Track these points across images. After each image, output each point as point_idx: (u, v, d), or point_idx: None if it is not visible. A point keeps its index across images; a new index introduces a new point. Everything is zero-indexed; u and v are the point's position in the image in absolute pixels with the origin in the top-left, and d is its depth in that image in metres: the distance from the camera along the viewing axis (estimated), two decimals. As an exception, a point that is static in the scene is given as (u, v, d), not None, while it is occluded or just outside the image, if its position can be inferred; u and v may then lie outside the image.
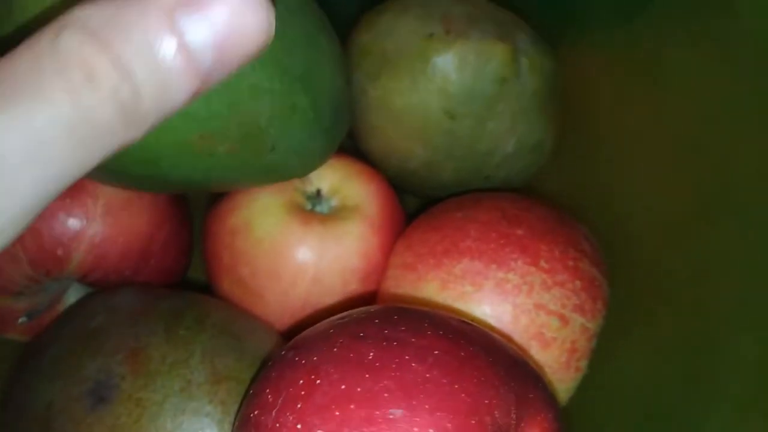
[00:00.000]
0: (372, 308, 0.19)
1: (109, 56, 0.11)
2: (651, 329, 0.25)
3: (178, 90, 0.12)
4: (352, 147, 0.28)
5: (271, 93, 0.18)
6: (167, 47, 0.12)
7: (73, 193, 0.23)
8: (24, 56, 0.12)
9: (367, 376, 0.16)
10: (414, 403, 0.15)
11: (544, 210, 0.24)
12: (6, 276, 0.23)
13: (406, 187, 0.28)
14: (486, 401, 0.16)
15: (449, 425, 0.15)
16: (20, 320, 0.25)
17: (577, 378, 0.23)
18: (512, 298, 0.22)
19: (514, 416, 0.16)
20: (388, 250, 0.25)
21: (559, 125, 0.27)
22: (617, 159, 0.27)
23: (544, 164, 0.28)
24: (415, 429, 0.15)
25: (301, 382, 0.16)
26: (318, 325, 0.19)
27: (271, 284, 0.24)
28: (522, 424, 0.17)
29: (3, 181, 0.11)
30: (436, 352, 0.16)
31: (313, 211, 0.25)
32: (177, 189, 0.23)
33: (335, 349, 0.17)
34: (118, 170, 0.19)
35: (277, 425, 0.16)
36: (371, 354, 0.16)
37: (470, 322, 0.19)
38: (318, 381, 0.16)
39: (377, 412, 0.15)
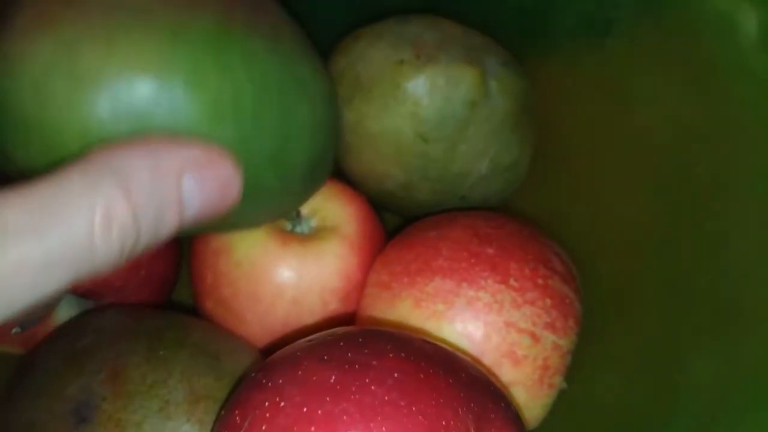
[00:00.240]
0: (339, 330, 0.19)
1: (131, 209, 0.14)
2: (618, 344, 0.25)
3: (165, 235, 0.15)
4: (335, 166, 0.29)
5: None
6: (173, 210, 0.15)
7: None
8: (55, 184, 0.14)
9: (327, 398, 0.16)
10: (372, 425, 0.16)
11: (516, 227, 0.25)
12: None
13: (385, 206, 0.29)
14: (443, 422, 0.16)
15: (405, 446, 0.15)
16: (13, 330, 0.26)
17: (552, 394, 0.23)
18: (483, 316, 0.22)
19: (473, 435, 0.17)
20: (368, 269, 0.26)
21: (533, 144, 0.28)
22: (589, 176, 0.27)
23: (521, 182, 0.29)
24: (372, 450, 0.15)
25: (267, 404, 0.17)
26: (287, 347, 0.19)
27: (251, 305, 0.25)
28: (482, 443, 0.17)
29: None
30: (396, 374, 0.17)
31: (293, 231, 0.26)
32: None
33: (300, 372, 0.17)
34: None
35: (243, 446, 0.16)
36: (333, 377, 0.17)
37: (433, 341, 0.20)
38: (282, 403, 0.17)
39: (336, 435, 0.16)
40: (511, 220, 0.25)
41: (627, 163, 0.26)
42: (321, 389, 0.16)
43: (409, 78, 0.24)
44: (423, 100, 0.24)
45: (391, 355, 0.18)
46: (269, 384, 0.17)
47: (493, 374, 0.22)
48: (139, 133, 0.16)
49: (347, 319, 0.26)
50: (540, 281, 0.23)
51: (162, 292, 0.29)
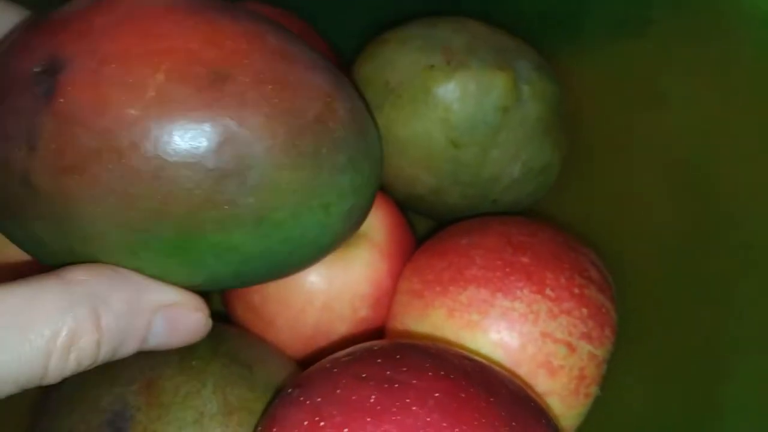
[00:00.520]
0: (376, 345, 0.19)
1: (97, 336, 0.15)
2: (653, 353, 0.25)
3: (120, 357, 0.17)
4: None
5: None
6: (135, 341, 0.17)
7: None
8: (30, 294, 0.15)
9: (368, 419, 0.16)
10: (414, 447, 0.15)
11: (550, 235, 0.24)
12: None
13: (415, 209, 0.29)
14: (486, 443, 0.16)
15: (448, 469, 0.15)
16: None
17: (587, 404, 0.23)
18: (518, 326, 0.22)
19: (515, 455, 0.17)
20: (398, 275, 0.26)
21: (566, 147, 0.27)
22: (621, 179, 0.27)
23: (552, 186, 0.28)
24: (415, 474, 0.15)
25: (306, 423, 0.17)
26: (322, 362, 0.19)
27: (281, 311, 0.25)
28: (524, 462, 0.17)
29: None
30: (437, 394, 0.17)
31: (322, 238, 0.26)
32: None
33: (338, 391, 0.17)
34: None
35: (283, 467, 0.16)
36: (373, 397, 0.17)
37: (473, 357, 0.20)
38: (322, 423, 0.16)
39: (378, 457, 0.15)
40: (545, 227, 0.25)
41: (660, 166, 0.25)
42: (361, 409, 0.16)
43: (440, 83, 0.24)
44: (454, 105, 0.24)
45: (430, 373, 0.17)
46: (307, 402, 0.17)
47: (529, 385, 0.21)
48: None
49: (377, 327, 0.26)
50: (576, 291, 0.23)
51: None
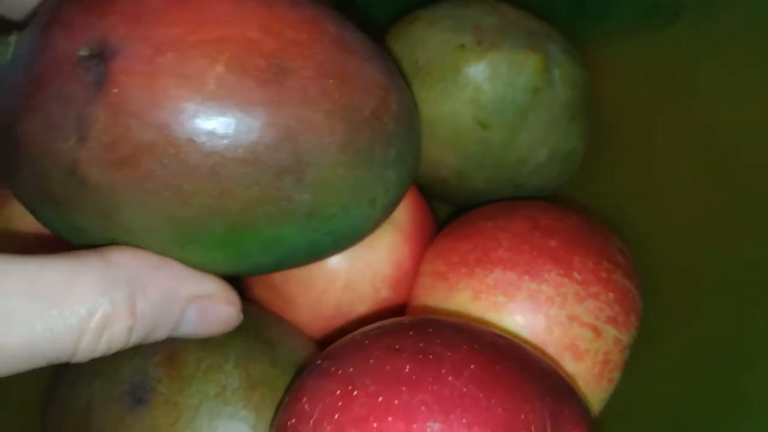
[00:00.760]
0: (405, 320, 0.19)
1: (131, 322, 0.15)
2: (680, 341, 0.25)
3: (150, 341, 0.16)
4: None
5: None
6: (166, 328, 0.16)
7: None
8: (72, 268, 0.15)
9: (404, 389, 0.16)
10: (451, 417, 0.15)
11: (577, 220, 0.24)
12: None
13: (437, 195, 0.28)
14: (522, 416, 0.16)
15: (486, 440, 0.15)
16: None
17: (610, 389, 0.23)
18: (545, 309, 0.22)
19: (549, 429, 0.16)
20: (419, 257, 0.25)
21: (590, 134, 0.27)
22: (649, 168, 0.27)
23: (575, 172, 0.28)
24: (453, 443, 0.15)
25: (338, 392, 0.16)
26: (352, 334, 0.19)
27: (303, 291, 0.25)
28: (557, 439, 0.17)
29: None
30: (472, 366, 0.16)
31: (344, 218, 0.25)
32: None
33: (371, 361, 0.17)
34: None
35: (315, 435, 0.16)
36: (407, 367, 0.16)
37: (503, 335, 0.19)
38: (355, 392, 0.16)
39: (415, 426, 0.15)
40: (571, 212, 0.24)
41: (687, 155, 0.25)
42: (396, 379, 0.16)
43: (471, 63, 0.24)
44: (484, 85, 0.24)
45: (464, 346, 0.17)
46: (339, 372, 0.17)
47: (558, 364, 0.21)
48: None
49: (398, 308, 0.25)
50: (603, 275, 0.22)
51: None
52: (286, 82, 0.16)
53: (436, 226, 0.27)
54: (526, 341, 0.21)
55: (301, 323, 0.25)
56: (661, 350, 0.25)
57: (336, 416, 0.16)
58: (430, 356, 0.17)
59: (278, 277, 0.25)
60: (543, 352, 0.21)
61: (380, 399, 0.16)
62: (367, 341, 0.18)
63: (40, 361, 0.14)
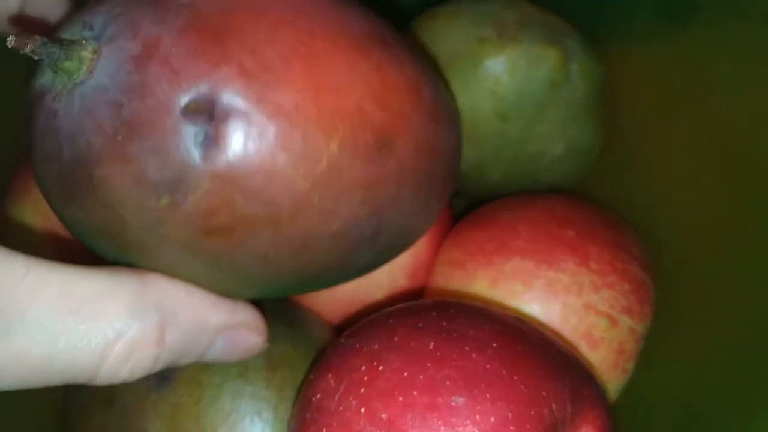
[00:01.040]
0: (427, 301, 0.19)
1: (156, 352, 0.14)
2: (693, 334, 0.25)
3: (173, 367, 0.16)
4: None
5: None
6: (193, 356, 0.16)
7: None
8: (105, 284, 0.14)
9: (428, 364, 0.16)
10: (475, 392, 0.16)
11: (594, 212, 0.24)
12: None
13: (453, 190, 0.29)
14: (544, 393, 0.16)
15: (509, 414, 0.15)
16: None
17: (624, 379, 0.23)
18: (562, 297, 0.22)
19: (569, 410, 0.17)
20: (435, 247, 0.26)
21: (604, 129, 0.28)
22: (663, 165, 0.27)
23: (591, 169, 0.28)
24: (477, 416, 0.15)
25: (364, 368, 0.17)
26: (374, 315, 0.19)
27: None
28: (576, 420, 0.17)
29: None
30: (494, 344, 0.17)
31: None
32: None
33: (396, 338, 0.17)
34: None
35: (341, 409, 0.16)
36: (432, 344, 0.17)
37: (523, 318, 0.20)
38: (380, 367, 0.16)
39: (440, 399, 0.15)
40: (588, 205, 0.25)
41: (702, 152, 0.25)
42: (420, 355, 0.16)
43: (491, 56, 0.24)
44: (503, 78, 0.24)
45: (486, 326, 0.17)
46: (364, 349, 0.17)
47: (576, 349, 0.21)
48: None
49: (414, 295, 0.26)
50: (619, 265, 0.23)
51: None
52: (389, 160, 0.15)
53: (452, 219, 0.28)
54: (545, 328, 0.22)
55: (318, 309, 0.25)
56: (675, 343, 0.25)
57: (362, 390, 0.16)
58: (454, 334, 0.17)
59: (297, 264, 0.25)
60: (560, 339, 0.21)
61: (405, 374, 0.16)
62: (390, 320, 0.18)
63: (55, 379, 0.13)
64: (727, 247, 0.24)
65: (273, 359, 0.21)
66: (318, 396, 0.17)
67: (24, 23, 0.19)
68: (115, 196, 0.14)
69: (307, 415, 0.17)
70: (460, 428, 0.15)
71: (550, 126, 0.25)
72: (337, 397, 0.17)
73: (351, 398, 0.16)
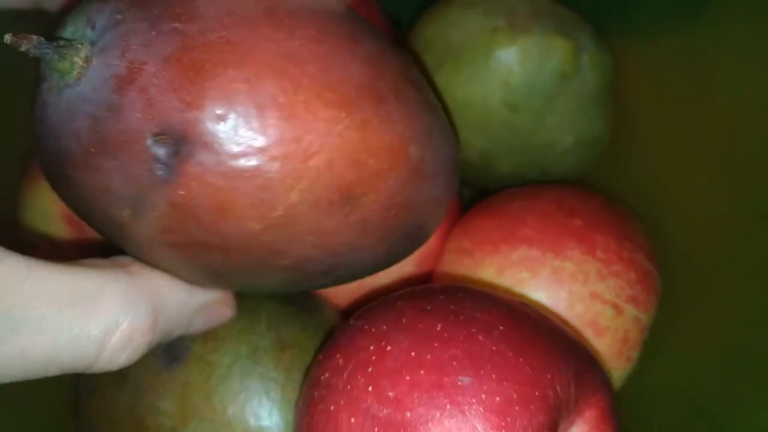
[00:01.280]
0: (435, 285, 0.20)
1: (150, 337, 0.15)
2: (698, 326, 0.25)
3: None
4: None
5: None
6: (176, 334, 0.17)
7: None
8: (97, 279, 0.15)
9: (435, 345, 0.16)
10: (481, 372, 0.16)
11: (601, 202, 0.25)
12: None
13: (462, 179, 0.29)
14: (548, 375, 0.16)
15: (514, 394, 0.16)
16: None
17: (628, 368, 0.23)
18: (568, 285, 0.22)
19: (573, 392, 0.17)
20: (443, 235, 0.26)
21: (612, 122, 0.28)
22: (669, 157, 0.27)
23: (598, 161, 0.29)
24: (483, 396, 0.15)
25: (372, 348, 0.17)
26: (383, 298, 0.20)
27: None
28: (580, 402, 0.18)
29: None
30: (501, 327, 0.17)
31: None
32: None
33: (404, 320, 0.17)
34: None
35: (348, 387, 0.17)
36: (439, 326, 0.17)
37: (528, 304, 0.20)
38: (388, 347, 0.17)
39: (446, 379, 0.16)
40: (595, 195, 0.25)
41: (707, 144, 0.25)
42: (428, 336, 0.17)
43: (503, 46, 0.24)
44: (515, 68, 0.24)
45: (493, 310, 0.18)
46: (372, 329, 0.18)
47: (583, 336, 0.22)
48: None
49: (422, 281, 0.26)
50: (625, 255, 0.23)
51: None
52: (351, 215, 0.15)
53: (460, 208, 0.28)
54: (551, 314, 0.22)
55: (326, 294, 0.25)
56: (680, 335, 0.26)
57: (369, 369, 0.17)
58: (461, 317, 0.17)
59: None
60: (567, 323, 0.22)
61: (413, 354, 0.16)
62: (399, 303, 0.18)
63: (55, 371, 0.14)
64: (732, 240, 0.24)
65: (282, 340, 0.21)
66: (326, 375, 0.18)
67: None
68: (85, 196, 0.15)
69: (315, 393, 0.18)
70: (466, 407, 0.15)
71: (560, 117, 0.25)
72: (345, 375, 0.17)
73: (359, 377, 0.17)
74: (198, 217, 0.14)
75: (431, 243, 0.26)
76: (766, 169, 0.23)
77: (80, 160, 0.14)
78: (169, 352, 0.21)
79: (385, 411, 0.16)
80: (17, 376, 0.14)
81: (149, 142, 0.14)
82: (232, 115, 0.14)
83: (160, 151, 0.14)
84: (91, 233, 0.25)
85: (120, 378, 0.21)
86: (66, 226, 0.25)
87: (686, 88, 0.26)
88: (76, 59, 0.14)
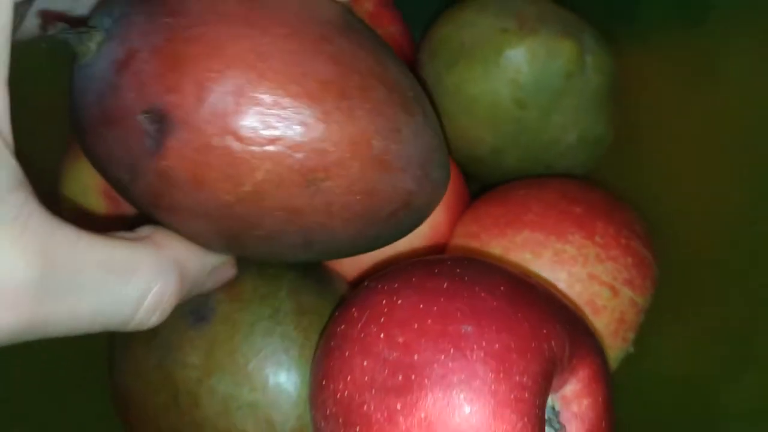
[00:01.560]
0: (444, 255, 0.21)
1: (177, 299, 0.18)
2: (695, 318, 0.26)
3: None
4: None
5: None
6: (195, 293, 0.19)
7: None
8: (130, 248, 0.17)
9: (441, 299, 0.18)
10: (483, 323, 0.17)
11: (602, 194, 0.26)
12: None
13: (471, 173, 0.31)
14: (545, 331, 0.18)
15: (512, 344, 0.17)
16: None
17: (624, 349, 0.25)
18: (568, 267, 0.24)
19: (567, 351, 0.19)
20: (453, 220, 0.28)
21: (617, 123, 0.30)
22: (673, 159, 0.29)
23: (602, 160, 0.30)
24: (483, 342, 0.17)
25: (384, 302, 0.19)
26: (395, 265, 0.21)
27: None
28: (573, 361, 0.19)
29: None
30: (502, 288, 0.19)
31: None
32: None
33: (413, 279, 0.19)
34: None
35: (362, 335, 0.18)
36: (445, 284, 0.19)
37: (530, 276, 0.22)
38: (399, 301, 0.18)
39: (451, 327, 0.17)
40: (597, 188, 0.27)
41: (709, 142, 0.27)
42: (435, 292, 0.18)
43: (512, 46, 0.26)
44: (523, 67, 0.26)
45: (497, 275, 0.19)
46: (385, 288, 0.19)
47: (583, 312, 0.23)
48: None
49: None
50: (623, 241, 0.25)
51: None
52: (315, 197, 0.17)
53: (469, 197, 0.30)
54: (550, 292, 0.24)
55: (341, 271, 0.27)
56: (679, 327, 0.27)
57: (382, 320, 0.18)
58: (465, 278, 0.19)
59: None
60: (569, 299, 0.23)
61: (421, 306, 0.18)
62: (409, 267, 0.20)
63: (97, 328, 0.16)
64: (736, 236, 0.26)
65: (301, 306, 0.23)
66: (342, 327, 0.19)
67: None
68: (99, 160, 0.18)
69: (332, 342, 0.19)
70: (468, 351, 0.17)
71: (565, 115, 0.27)
72: (359, 326, 0.19)
73: (372, 326, 0.18)
74: (180, 186, 0.17)
75: (441, 227, 0.27)
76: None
77: (91, 129, 0.17)
78: (197, 313, 0.23)
79: (395, 354, 0.17)
80: (64, 332, 0.15)
81: (140, 118, 0.16)
82: (206, 100, 0.16)
83: (149, 127, 0.16)
84: (126, 207, 0.27)
85: (150, 336, 0.23)
86: (104, 199, 0.27)
87: (691, 89, 0.27)
88: (91, 44, 0.17)
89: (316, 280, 0.24)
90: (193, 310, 0.23)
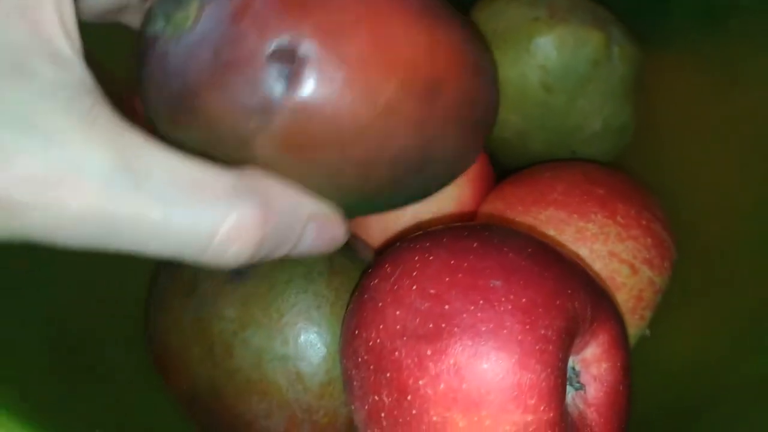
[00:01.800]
0: (472, 222, 0.22)
1: (261, 235, 0.16)
2: (707, 306, 0.27)
3: (267, 259, 0.17)
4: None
5: None
6: (288, 246, 0.17)
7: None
8: (211, 172, 0.15)
9: (472, 257, 0.19)
10: (511, 279, 0.18)
11: (624, 177, 0.27)
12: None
13: (496, 156, 0.32)
14: (569, 291, 0.19)
15: (538, 299, 0.18)
16: None
17: (642, 327, 0.26)
18: (590, 244, 0.25)
19: (589, 314, 0.20)
20: (478, 199, 0.29)
21: (641, 115, 0.30)
22: (694, 151, 0.29)
23: (625, 152, 0.31)
24: (511, 296, 0.18)
25: (416, 258, 0.20)
26: (426, 230, 0.22)
27: (376, 218, 0.28)
28: (594, 325, 0.20)
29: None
30: (530, 249, 0.20)
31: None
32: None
33: (444, 239, 0.20)
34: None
35: (395, 287, 0.19)
36: (475, 244, 0.20)
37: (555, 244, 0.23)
38: (431, 258, 0.20)
39: (480, 281, 0.18)
40: (620, 172, 0.28)
41: (729, 140, 0.28)
42: (465, 251, 0.19)
43: (542, 34, 0.27)
44: (552, 54, 0.27)
45: (524, 240, 0.20)
46: (417, 246, 0.20)
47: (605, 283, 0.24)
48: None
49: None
50: (643, 222, 0.26)
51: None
52: (436, 103, 0.19)
53: (494, 177, 0.31)
54: (571, 266, 0.25)
55: (371, 241, 0.28)
56: (684, 313, 0.28)
57: (414, 274, 0.19)
58: (495, 240, 0.20)
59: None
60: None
61: (452, 262, 0.19)
62: (439, 231, 0.21)
63: (170, 250, 0.15)
64: (748, 226, 0.26)
65: (334, 266, 0.24)
66: (376, 281, 0.20)
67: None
68: (214, 119, 0.17)
69: (366, 295, 0.20)
70: (496, 303, 0.18)
71: (590, 100, 0.28)
72: (392, 280, 0.20)
73: (405, 279, 0.19)
74: (316, 115, 0.17)
75: (467, 206, 0.29)
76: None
77: (209, 84, 0.17)
78: (238, 275, 0.24)
79: (426, 304, 0.18)
80: (131, 241, 0.14)
81: (267, 58, 0.17)
82: (332, 27, 0.17)
83: (278, 64, 0.17)
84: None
85: (189, 290, 0.24)
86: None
87: (715, 87, 0.28)
88: (191, 9, 0.18)
89: (348, 246, 0.26)
90: (233, 273, 0.24)
